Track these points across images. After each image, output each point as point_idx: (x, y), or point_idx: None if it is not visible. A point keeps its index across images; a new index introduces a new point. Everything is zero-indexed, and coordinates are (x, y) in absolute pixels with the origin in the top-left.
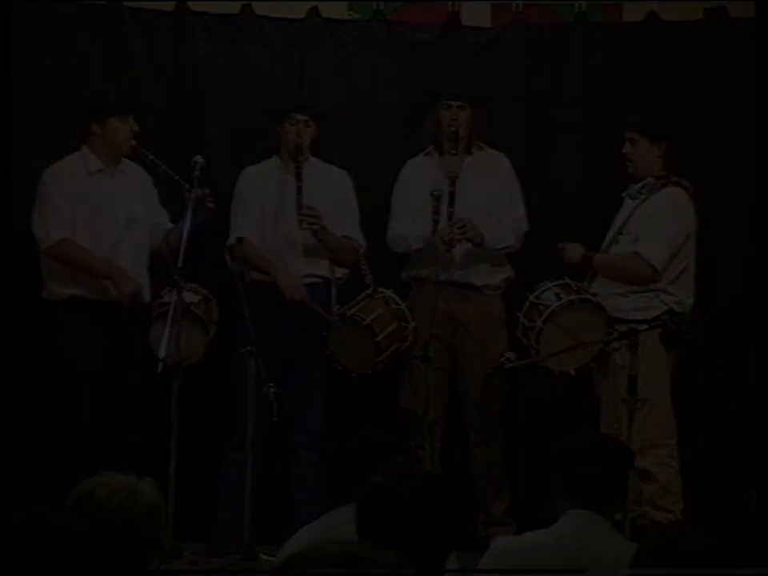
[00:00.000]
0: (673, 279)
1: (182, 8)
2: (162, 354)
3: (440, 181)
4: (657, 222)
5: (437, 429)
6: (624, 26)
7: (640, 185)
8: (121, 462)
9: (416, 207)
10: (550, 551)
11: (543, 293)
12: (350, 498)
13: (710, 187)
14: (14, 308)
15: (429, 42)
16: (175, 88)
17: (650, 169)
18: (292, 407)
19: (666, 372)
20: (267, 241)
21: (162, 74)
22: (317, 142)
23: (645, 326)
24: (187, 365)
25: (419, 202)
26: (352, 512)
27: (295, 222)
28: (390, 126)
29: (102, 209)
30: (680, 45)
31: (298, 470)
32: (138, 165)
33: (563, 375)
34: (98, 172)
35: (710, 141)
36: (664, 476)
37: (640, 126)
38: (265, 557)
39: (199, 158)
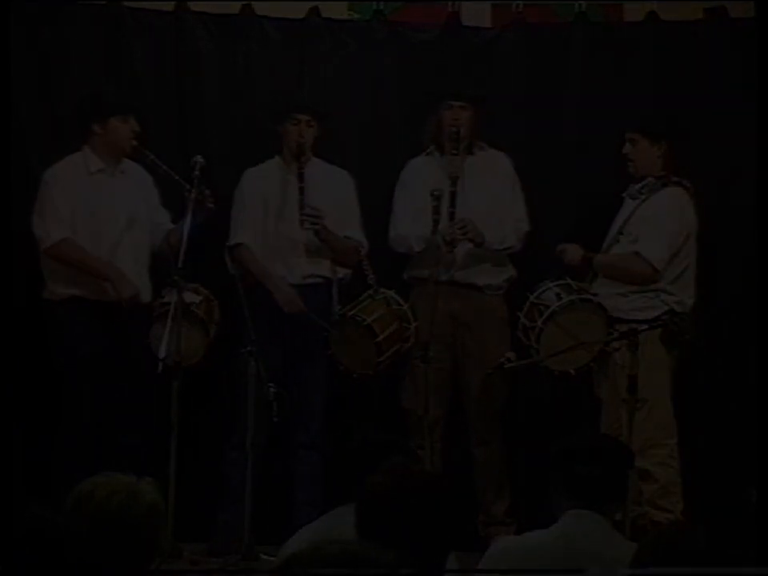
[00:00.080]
0: (673, 279)
1: (181, 8)
2: (162, 353)
3: (441, 181)
4: (657, 222)
5: (437, 429)
6: (624, 26)
7: (640, 185)
8: (121, 462)
9: (417, 207)
10: (550, 551)
11: (544, 293)
12: (350, 498)
13: (710, 187)
14: (14, 308)
15: (429, 42)
16: (175, 88)
17: (650, 169)
18: (292, 407)
19: (666, 372)
20: (269, 241)
21: (162, 73)
22: (318, 143)
23: (645, 326)
24: (187, 365)
25: (420, 202)
26: (352, 512)
27: (297, 223)
28: (390, 126)
29: (103, 209)
30: (680, 45)
31: (298, 470)
32: (139, 165)
33: (563, 375)
34: (99, 172)
35: (709, 141)
36: (664, 476)
37: (640, 126)
38: (265, 557)
39: (199, 158)
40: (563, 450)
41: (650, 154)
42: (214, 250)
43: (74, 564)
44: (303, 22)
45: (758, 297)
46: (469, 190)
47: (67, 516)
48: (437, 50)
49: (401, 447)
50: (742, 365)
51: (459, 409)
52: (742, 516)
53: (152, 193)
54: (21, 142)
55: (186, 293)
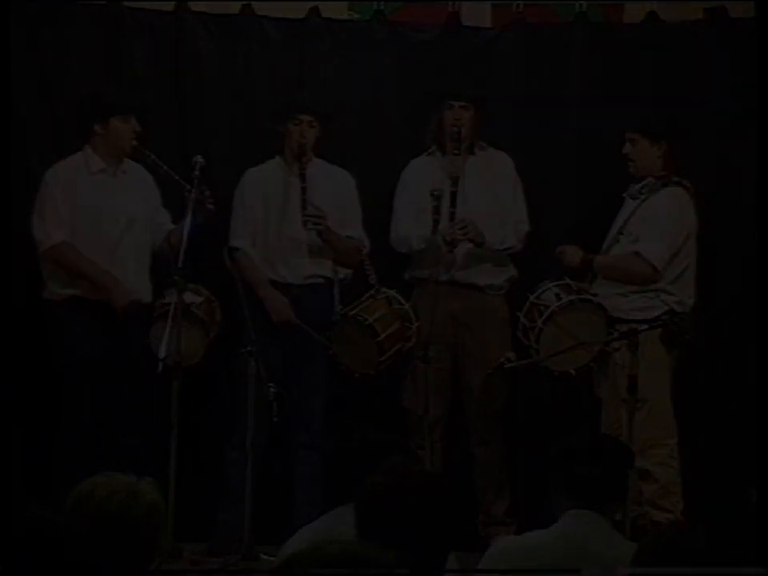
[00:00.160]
0: (673, 279)
1: (181, 8)
2: (162, 353)
3: (442, 181)
4: (657, 222)
5: (437, 429)
6: (624, 26)
7: (640, 185)
8: (121, 462)
9: (418, 207)
10: (550, 551)
11: (543, 293)
12: (350, 498)
13: (710, 187)
14: (14, 308)
15: (429, 42)
16: (175, 88)
17: (651, 169)
18: (292, 407)
19: (666, 372)
20: (270, 242)
21: (162, 73)
22: (319, 143)
23: (645, 326)
24: (187, 365)
25: (421, 202)
26: (352, 512)
27: (299, 223)
28: (390, 126)
29: (104, 209)
30: (680, 45)
31: (298, 470)
32: (140, 165)
33: (563, 375)
34: (100, 172)
35: (709, 141)
36: (664, 476)
37: (640, 126)
38: (265, 557)
39: (199, 158)
40: (563, 450)
41: (650, 154)
42: (215, 250)
43: (74, 564)
44: (303, 22)
45: (758, 297)
46: (470, 190)
47: (67, 516)
48: (437, 50)
49: (401, 447)
50: (742, 365)
51: (459, 409)
52: (741, 516)
53: (153, 193)
54: (21, 142)
55: (187, 293)
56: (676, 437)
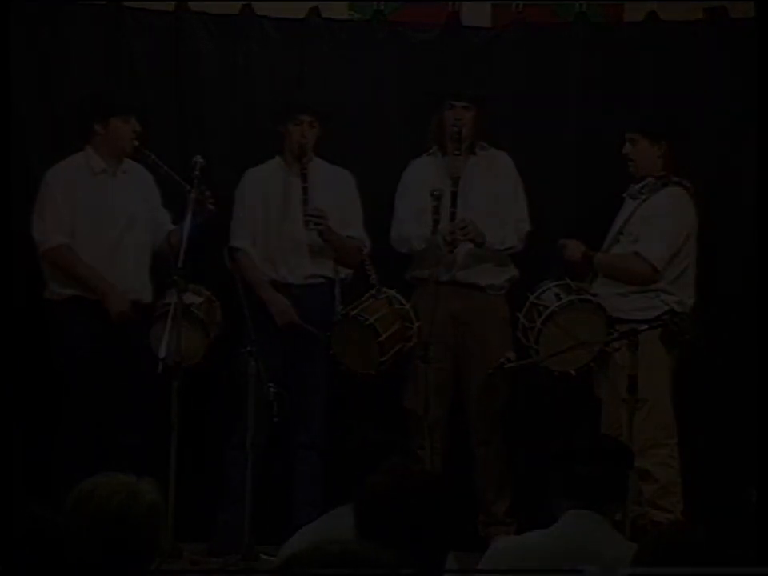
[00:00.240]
0: (673, 279)
1: (181, 8)
2: (162, 353)
3: (443, 181)
4: (657, 222)
5: (438, 429)
6: (624, 26)
7: (640, 185)
8: (121, 462)
9: (419, 208)
10: (550, 551)
11: (543, 293)
12: (350, 498)
13: (710, 187)
14: (15, 308)
15: (429, 42)
16: (175, 88)
17: (651, 169)
18: (292, 407)
19: (666, 372)
20: (271, 242)
21: (162, 74)
22: (319, 143)
23: (645, 326)
24: (187, 365)
25: (422, 202)
26: (352, 512)
27: (301, 223)
28: (390, 126)
29: (104, 209)
30: (680, 45)
31: (298, 470)
32: (140, 165)
33: (563, 375)
34: (101, 172)
35: (709, 141)
36: (664, 476)
37: (640, 126)
38: (265, 557)
39: (199, 158)
40: (563, 450)
41: (650, 153)
42: (215, 250)
43: (73, 564)
44: (303, 22)
45: (758, 297)
46: (470, 191)
47: (67, 516)
48: (437, 50)
49: (401, 447)
50: (742, 365)
51: (460, 409)
52: (742, 516)
53: (153, 193)
54: (21, 142)
55: (188, 294)
56: (676, 437)
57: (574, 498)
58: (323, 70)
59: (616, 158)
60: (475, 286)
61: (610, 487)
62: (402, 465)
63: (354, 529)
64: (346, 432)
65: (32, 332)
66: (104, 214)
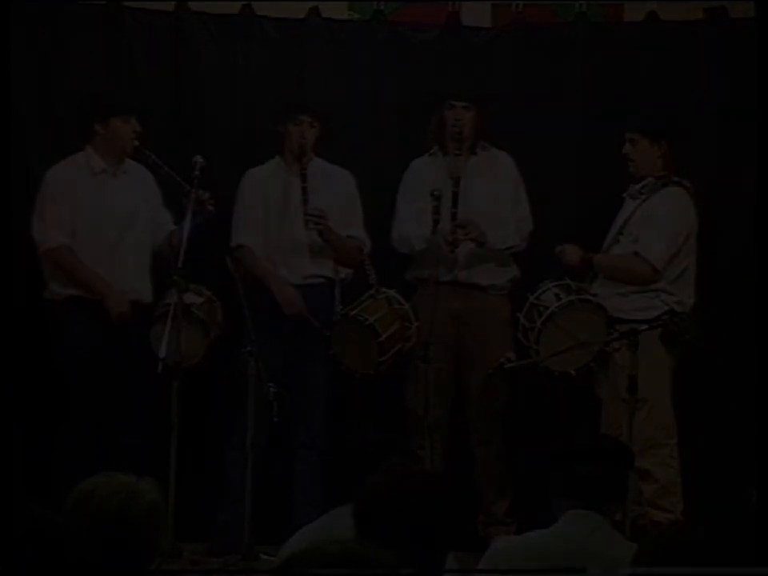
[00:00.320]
0: (673, 279)
1: (181, 8)
2: (162, 353)
3: (444, 181)
4: (657, 222)
5: (440, 429)
6: (624, 25)
7: (640, 185)
8: (121, 462)
9: (419, 208)
10: (550, 551)
11: (543, 293)
12: (350, 498)
13: (710, 187)
14: (15, 308)
15: (429, 42)
16: (175, 88)
17: (651, 169)
18: (292, 407)
19: (666, 372)
20: (271, 242)
21: (162, 73)
22: (319, 142)
23: (645, 326)
24: (187, 365)
25: (422, 202)
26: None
27: (301, 223)
28: (390, 126)
29: (105, 209)
30: (680, 45)
31: (298, 470)
32: (141, 165)
33: (563, 375)
34: (101, 172)
35: (709, 141)
36: (664, 476)
37: (640, 126)
38: (265, 557)
39: (199, 158)
40: (563, 450)
41: (650, 153)
42: (215, 251)
43: (73, 564)
44: (303, 21)
45: (758, 297)
46: (471, 190)
47: (67, 516)
48: (437, 50)
49: (401, 447)
50: (742, 365)
51: (460, 409)
52: (742, 516)
53: (154, 193)
54: (21, 142)
55: (188, 294)
56: (676, 437)
57: (574, 498)
58: (323, 70)
59: (616, 157)
60: (477, 286)
61: (610, 487)
62: (402, 465)
63: (353, 529)
64: (346, 432)
65: (32, 332)
66: (104, 214)
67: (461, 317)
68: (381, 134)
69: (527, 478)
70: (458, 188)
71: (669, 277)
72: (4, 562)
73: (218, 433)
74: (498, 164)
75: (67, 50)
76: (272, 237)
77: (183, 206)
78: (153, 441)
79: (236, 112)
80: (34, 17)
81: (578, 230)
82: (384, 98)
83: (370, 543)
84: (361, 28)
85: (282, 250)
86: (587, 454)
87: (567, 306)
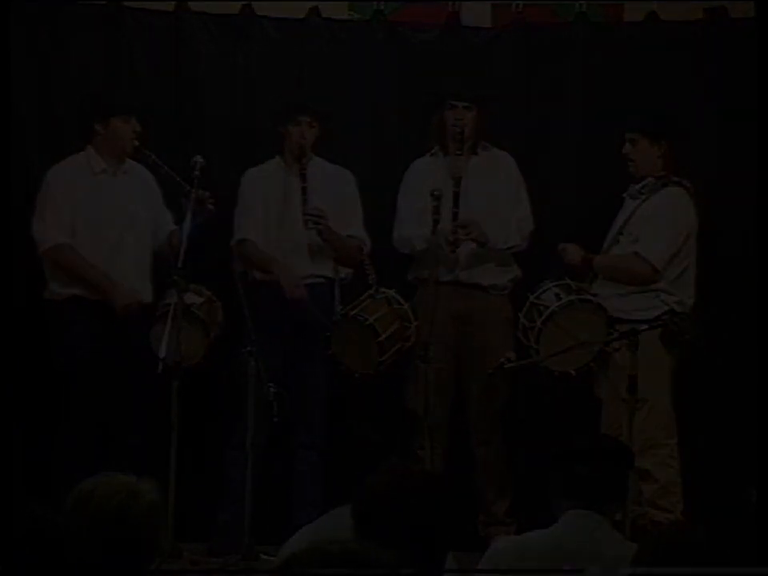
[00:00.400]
0: (673, 279)
1: (181, 8)
2: (162, 353)
3: (445, 181)
4: (657, 222)
5: (440, 429)
6: (624, 25)
7: (640, 185)
8: (121, 462)
9: (420, 208)
10: (550, 551)
11: (543, 293)
12: (350, 498)
13: (710, 187)
14: (15, 308)
15: (429, 42)
16: (175, 88)
17: (651, 169)
18: (292, 407)
19: (666, 372)
20: (271, 242)
21: (162, 73)
22: (319, 142)
23: (645, 326)
24: (187, 365)
25: (423, 202)
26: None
27: (300, 223)
28: (390, 126)
29: (105, 209)
30: (680, 45)
31: (298, 470)
32: (141, 165)
33: (563, 375)
34: (101, 172)
35: (709, 141)
36: (664, 476)
37: (640, 126)
38: (265, 557)
39: (199, 158)
40: (563, 450)
41: (650, 153)
42: (215, 251)
43: (74, 564)
44: (303, 21)
45: (758, 297)
46: (472, 191)
47: (67, 516)
48: (437, 50)
49: (401, 447)
50: (742, 365)
51: (460, 409)
52: (742, 516)
53: (155, 193)
54: (21, 142)
55: (188, 294)
56: (676, 437)
57: (574, 498)
58: (323, 70)
59: (616, 157)
60: (478, 286)
61: (610, 487)
62: (402, 465)
63: (353, 529)
64: (346, 432)
65: (32, 332)
66: (104, 213)
67: (462, 317)
68: (381, 134)
69: (527, 478)
70: (458, 188)
71: (669, 277)
72: (4, 562)
73: (217, 433)
74: (498, 164)
75: (67, 50)
76: (272, 237)
77: (183, 205)
78: (153, 441)
79: (236, 112)
80: (33, 17)
81: (578, 230)
82: (384, 98)
83: (370, 543)
84: (361, 28)
85: (282, 249)
86: (587, 454)
87: (567, 306)
